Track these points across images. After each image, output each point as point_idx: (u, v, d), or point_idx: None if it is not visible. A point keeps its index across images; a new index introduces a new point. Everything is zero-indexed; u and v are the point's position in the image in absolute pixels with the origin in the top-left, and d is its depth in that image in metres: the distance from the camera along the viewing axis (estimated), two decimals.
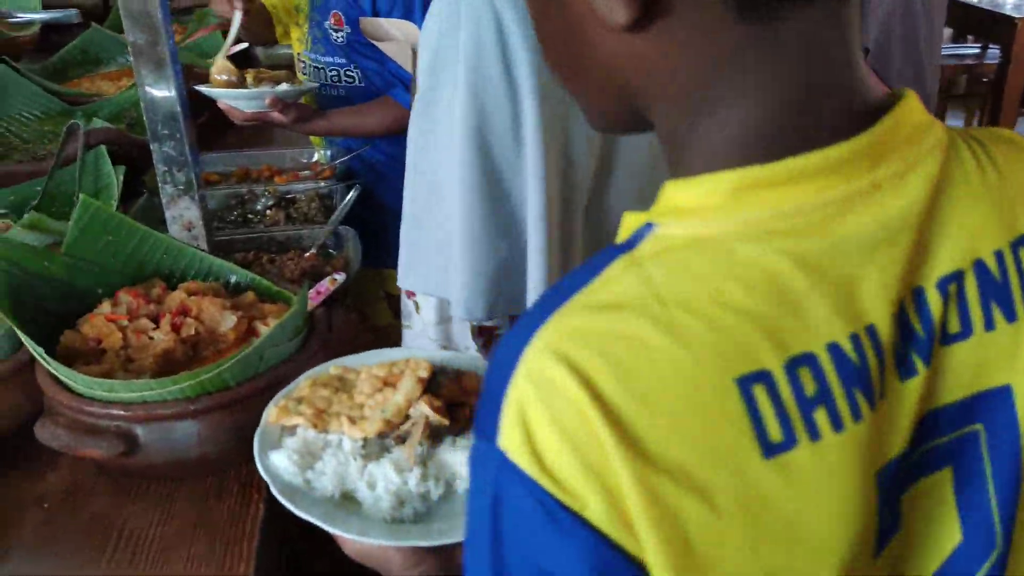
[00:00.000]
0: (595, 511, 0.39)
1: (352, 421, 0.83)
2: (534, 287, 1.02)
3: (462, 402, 0.87)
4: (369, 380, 0.87)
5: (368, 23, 1.43)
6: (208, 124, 2.32)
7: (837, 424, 0.41)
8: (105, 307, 1.10)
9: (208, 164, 1.99)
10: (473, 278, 1.01)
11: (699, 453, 0.39)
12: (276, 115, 1.69)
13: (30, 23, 2.35)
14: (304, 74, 1.92)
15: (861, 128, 0.44)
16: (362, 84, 1.85)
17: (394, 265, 2.07)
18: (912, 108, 0.46)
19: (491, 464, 0.41)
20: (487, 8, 0.92)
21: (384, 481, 0.78)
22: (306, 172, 1.95)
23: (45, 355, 0.97)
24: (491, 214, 0.99)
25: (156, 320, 1.11)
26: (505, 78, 0.93)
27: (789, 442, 0.40)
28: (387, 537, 0.74)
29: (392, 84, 1.81)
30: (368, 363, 0.93)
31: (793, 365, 0.40)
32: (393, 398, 0.84)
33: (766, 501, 0.40)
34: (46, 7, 2.42)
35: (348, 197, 1.64)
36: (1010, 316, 0.46)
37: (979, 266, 0.46)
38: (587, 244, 1.06)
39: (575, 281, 0.44)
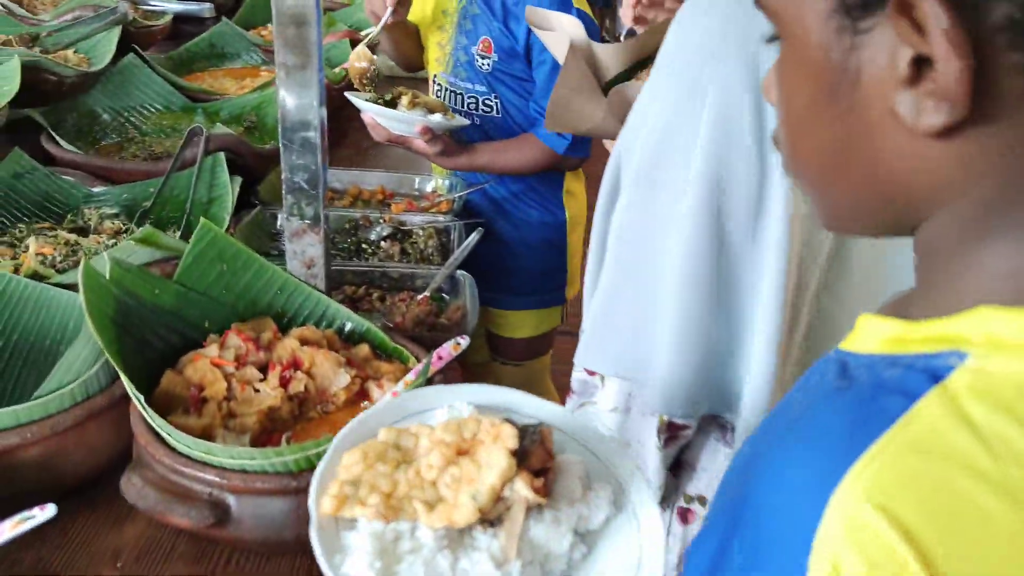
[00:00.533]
0: None
1: (429, 506, 0.65)
2: (756, 387, 0.87)
3: (548, 467, 0.71)
4: (437, 449, 0.69)
5: (533, 12, 1.33)
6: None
7: None
8: (212, 349, 1.01)
9: None
10: (680, 367, 0.87)
11: None
12: (421, 144, 1.59)
13: (163, 14, 2.31)
14: (437, 96, 1.82)
15: None
16: (499, 115, 1.75)
17: (505, 306, 2.01)
18: None
19: None
20: (741, 85, 0.80)
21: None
22: (423, 202, 1.85)
23: (145, 404, 0.87)
24: (713, 296, 0.85)
25: (264, 370, 1.01)
26: (756, 155, 0.81)
27: None
28: None
29: (534, 122, 1.71)
30: (420, 411, 0.77)
31: None
32: (484, 479, 0.66)
33: None
34: None
35: (470, 239, 1.52)
36: None
37: None
38: (811, 335, 0.91)
39: (877, 411, 0.38)
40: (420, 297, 1.43)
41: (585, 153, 1.78)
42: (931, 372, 0.38)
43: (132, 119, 1.92)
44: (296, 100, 1.05)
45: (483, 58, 1.72)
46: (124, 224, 1.46)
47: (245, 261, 1.11)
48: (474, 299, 1.40)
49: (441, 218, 1.71)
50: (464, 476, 0.67)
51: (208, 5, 2.23)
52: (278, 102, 1.07)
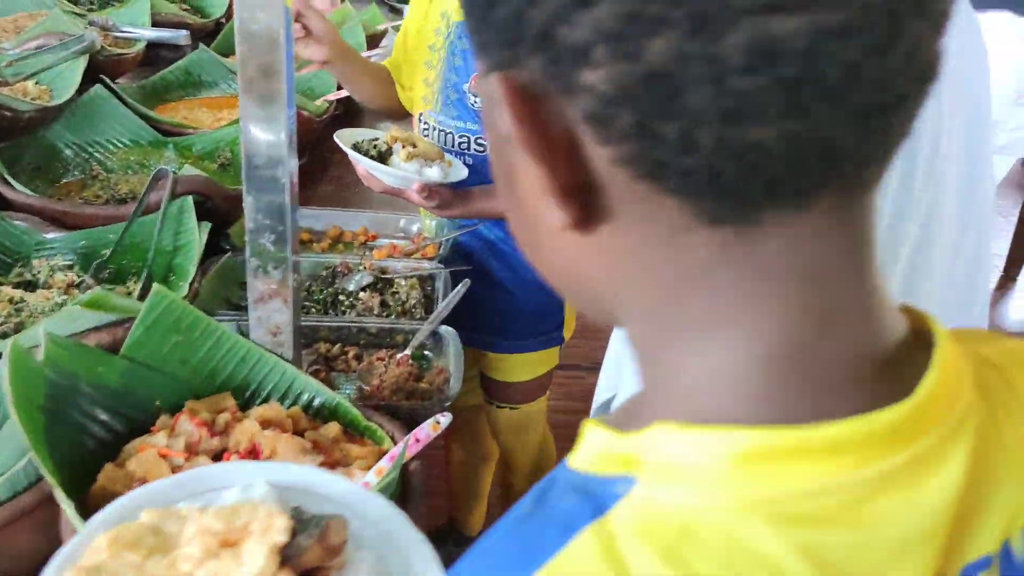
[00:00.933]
0: None
1: None
2: None
3: (325, 566, 0.61)
4: (200, 538, 0.60)
5: None
6: (306, 168, 2.15)
7: None
8: (160, 436, 0.89)
9: (300, 218, 1.80)
10: None
11: None
12: (417, 198, 1.47)
13: (135, 41, 2.20)
14: (424, 134, 1.71)
15: (888, 378, 0.35)
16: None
17: (501, 349, 1.89)
18: (949, 352, 0.36)
19: None
20: None
21: None
22: (406, 242, 1.74)
23: (75, 512, 0.75)
24: None
25: (219, 458, 0.89)
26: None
27: None
28: None
29: None
30: (193, 492, 0.68)
31: None
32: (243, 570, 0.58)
33: None
34: (154, 25, 2.28)
35: (454, 292, 1.41)
36: None
37: (1005, 549, 0.37)
38: None
39: (531, 548, 0.34)
40: (400, 357, 1.32)
41: None
42: (596, 502, 0.34)
43: (97, 154, 1.80)
44: (263, 146, 0.94)
45: (475, 96, 1.62)
46: (79, 276, 1.34)
47: (204, 330, 0.99)
48: (459, 359, 1.29)
49: (427, 264, 1.60)
50: (221, 574, 0.58)
51: (184, 32, 2.12)
52: (241, 147, 0.95)
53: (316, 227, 1.80)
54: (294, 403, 1.03)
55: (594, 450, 0.37)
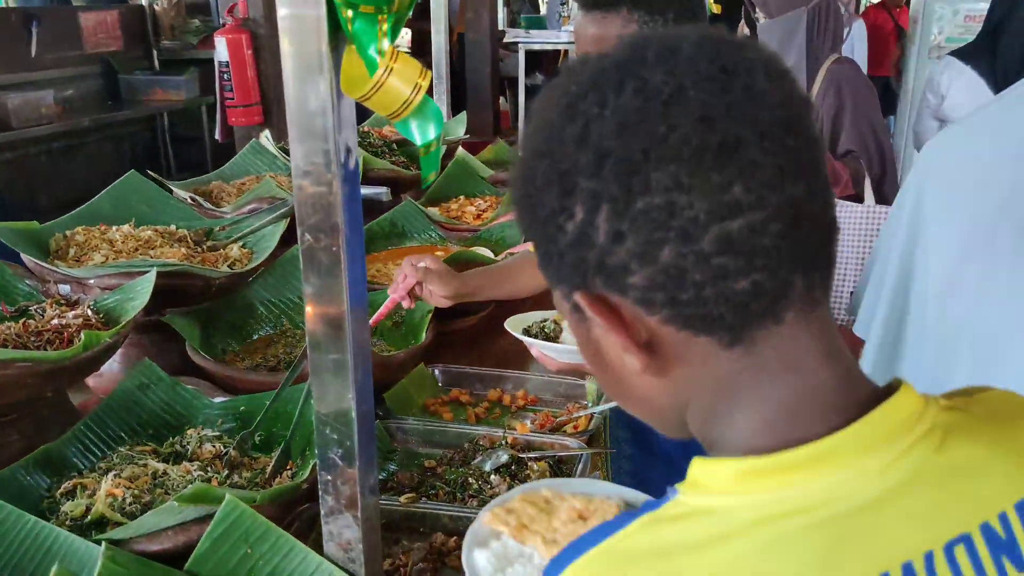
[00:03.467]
0: None
1: (546, 542, 0.94)
2: None
3: None
4: (568, 510, 0.99)
5: None
6: (483, 323, 2.16)
7: None
8: None
9: (465, 380, 1.80)
10: None
11: None
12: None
13: None
14: None
15: (852, 419, 0.56)
16: None
17: None
18: (907, 396, 0.58)
19: None
20: None
21: None
22: (559, 412, 1.66)
23: None
24: None
25: None
26: None
27: None
28: None
29: None
30: (576, 490, 1.08)
31: None
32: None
33: None
34: (366, 182, 2.44)
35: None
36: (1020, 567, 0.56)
37: (985, 527, 0.56)
38: None
39: (606, 529, 0.58)
40: None
41: None
42: (656, 505, 0.59)
43: (288, 311, 1.93)
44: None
45: None
46: (224, 447, 1.41)
47: (274, 544, 0.98)
48: None
49: (570, 442, 1.51)
50: (576, 531, 0.92)
51: (384, 189, 2.25)
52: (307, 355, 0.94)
53: (479, 389, 1.79)
54: None
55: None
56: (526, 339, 1.52)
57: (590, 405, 1.70)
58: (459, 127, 3.22)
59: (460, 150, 2.89)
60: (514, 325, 1.58)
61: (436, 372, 1.82)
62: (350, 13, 0.79)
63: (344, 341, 0.92)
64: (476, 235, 2.37)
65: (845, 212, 2.33)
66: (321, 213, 0.89)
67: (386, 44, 0.78)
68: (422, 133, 0.81)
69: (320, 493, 0.99)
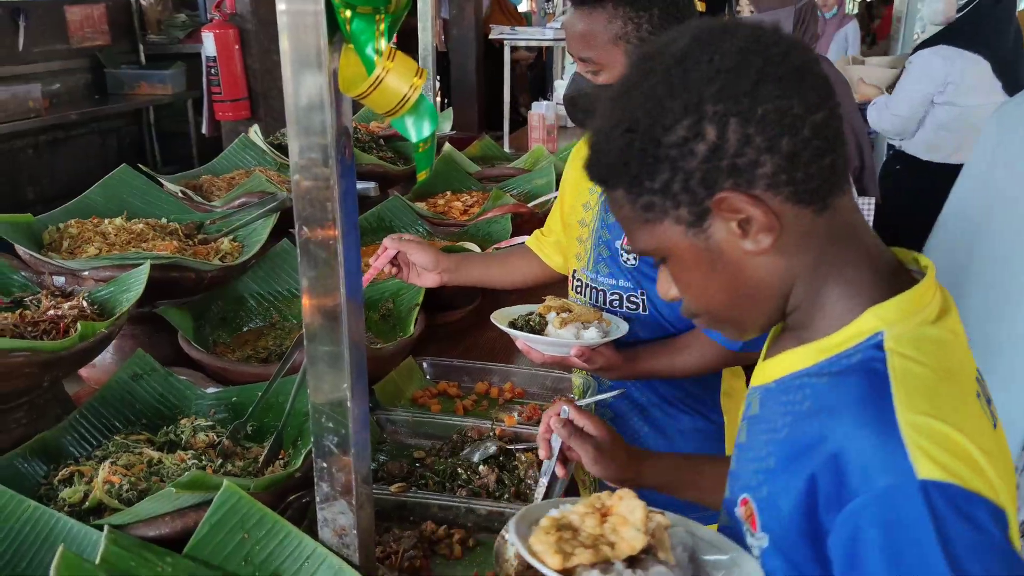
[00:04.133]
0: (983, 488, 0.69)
1: (611, 546, 0.84)
2: None
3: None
4: (590, 516, 0.88)
5: None
6: (469, 316, 2.20)
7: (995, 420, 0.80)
8: None
9: (452, 372, 1.83)
10: None
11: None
12: (579, 363, 1.48)
13: None
14: (576, 292, 1.69)
15: (903, 274, 0.85)
16: (646, 312, 1.58)
17: None
18: (931, 269, 0.84)
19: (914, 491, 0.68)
20: None
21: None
22: (545, 404, 1.70)
23: None
24: None
25: None
26: None
27: (995, 422, 0.79)
28: None
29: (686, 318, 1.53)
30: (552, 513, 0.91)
31: (978, 381, 0.80)
32: (634, 515, 0.85)
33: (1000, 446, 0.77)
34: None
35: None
36: None
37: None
38: None
39: (872, 378, 0.75)
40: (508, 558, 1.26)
41: (761, 346, 1.57)
42: (871, 346, 0.77)
43: (278, 303, 1.95)
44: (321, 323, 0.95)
45: (628, 252, 1.57)
46: (217, 436, 1.43)
47: (270, 529, 1.01)
48: None
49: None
50: (619, 522, 0.86)
51: (372, 184, 2.27)
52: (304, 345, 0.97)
53: (467, 382, 1.82)
54: None
55: (807, 356, 0.82)
56: (511, 331, 1.54)
57: (576, 398, 1.74)
58: (446, 123, 3.25)
59: (447, 146, 2.92)
60: (500, 319, 1.59)
61: (424, 365, 1.85)
62: (348, 13, 0.81)
63: (340, 333, 0.95)
64: (463, 230, 2.40)
65: None
66: (318, 207, 0.92)
67: (383, 44, 0.81)
68: (418, 130, 0.84)
69: (315, 480, 1.02)
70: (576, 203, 1.70)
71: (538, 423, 1.61)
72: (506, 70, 5.55)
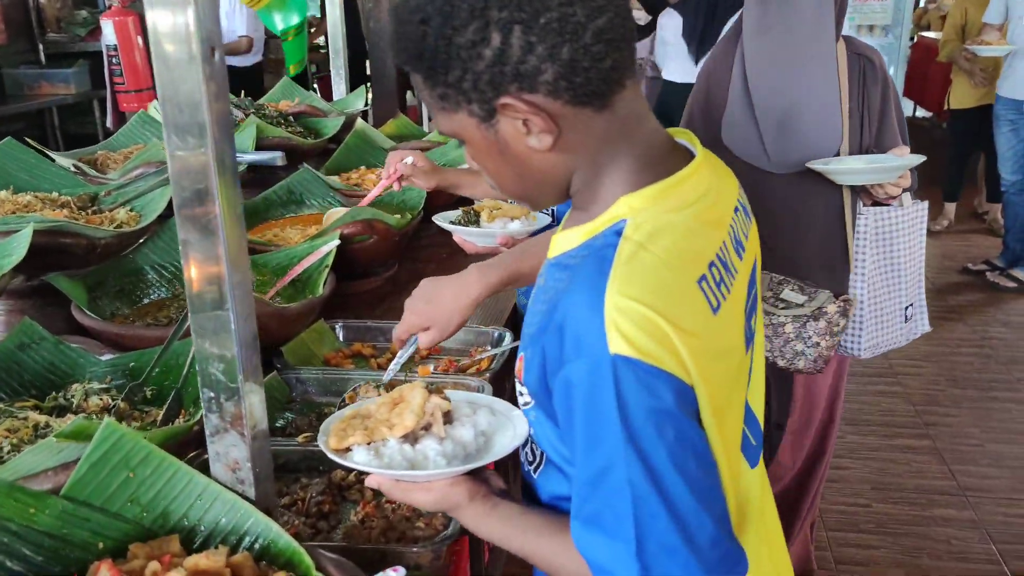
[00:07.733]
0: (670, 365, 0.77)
1: (390, 426, 0.96)
2: None
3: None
4: (384, 406, 1.00)
5: None
6: (394, 278, 2.15)
7: (728, 291, 0.87)
8: None
9: (368, 334, 1.78)
10: None
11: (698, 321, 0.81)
12: (504, 251, 1.60)
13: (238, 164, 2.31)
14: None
15: (680, 160, 0.90)
16: None
17: None
18: (701, 150, 0.93)
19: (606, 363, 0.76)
20: None
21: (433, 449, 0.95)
22: (464, 359, 1.66)
23: None
24: None
25: None
26: None
27: (719, 306, 0.84)
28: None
29: None
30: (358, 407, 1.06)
31: (710, 267, 0.85)
32: (412, 403, 0.98)
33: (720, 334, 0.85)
34: (260, 148, 2.39)
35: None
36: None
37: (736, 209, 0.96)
38: None
39: (601, 259, 0.81)
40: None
41: None
42: (614, 232, 0.83)
43: (180, 275, 1.87)
44: (203, 265, 0.90)
45: None
46: (112, 399, 1.36)
47: (157, 467, 0.95)
48: None
49: (472, 382, 1.51)
50: (404, 407, 0.97)
51: (279, 154, 2.20)
52: (184, 273, 0.92)
53: (383, 342, 1.77)
54: (251, 546, 0.95)
55: (576, 236, 0.87)
56: (448, 225, 1.79)
57: (491, 344, 1.71)
58: (358, 100, 3.18)
59: (360, 121, 2.86)
60: (441, 218, 1.88)
61: (337, 328, 1.79)
62: None
63: (218, 245, 0.90)
64: (377, 199, 2.35)
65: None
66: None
67: None
68: (285, 20, 0.80)
69: (204, 413, 0.97)
70: None
71: (458, 373, 1.58)
72: None
